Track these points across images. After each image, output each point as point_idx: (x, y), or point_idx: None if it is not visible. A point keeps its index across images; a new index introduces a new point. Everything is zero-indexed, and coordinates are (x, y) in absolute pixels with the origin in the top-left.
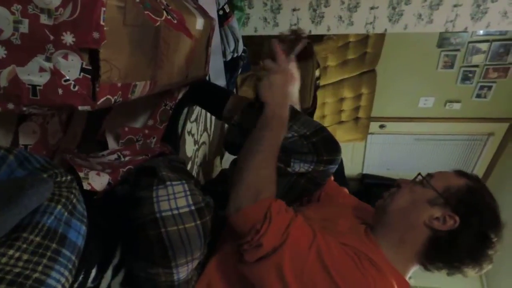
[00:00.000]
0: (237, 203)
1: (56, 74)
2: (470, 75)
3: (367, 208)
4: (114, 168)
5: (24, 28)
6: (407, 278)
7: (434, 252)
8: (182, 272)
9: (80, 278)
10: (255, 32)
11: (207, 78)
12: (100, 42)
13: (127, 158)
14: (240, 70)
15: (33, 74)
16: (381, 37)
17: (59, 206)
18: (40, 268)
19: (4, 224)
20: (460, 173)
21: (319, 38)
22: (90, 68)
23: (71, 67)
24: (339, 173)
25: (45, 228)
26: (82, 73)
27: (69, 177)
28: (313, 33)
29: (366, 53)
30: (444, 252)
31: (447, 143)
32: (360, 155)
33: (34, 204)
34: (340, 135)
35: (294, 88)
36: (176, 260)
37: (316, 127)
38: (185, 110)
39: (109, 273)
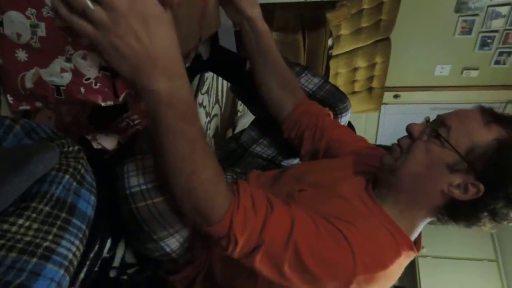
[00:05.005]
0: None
1: (77, 74)
2: (489, 40)
3: (379, 153)
4: (122, 129)
5: (42, 31)
6: (415, 234)
7: (450, 216)
8: (172, 243)
9: (96, 248)
10: None
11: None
12: None
13: (136, 122)
14: None
15: (55, 75)
16: (396, 3)
17: (67, 176)
18: (50, 237)
19: (11, 192)
20: (489, 119)
21: (331, 5)
22: (108, 65)
23: (91, 67)
24: None
25: (54, 197)
26: (101, 71)
27: (76, 147)
28: None
29: (380, 20)
30: (461, 217)
31: None
32: (374, 126)
33: (40, 171)
34: (354, 105)
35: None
36: (157, 233)
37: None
38: (196, 82)
39: (122, 243)
